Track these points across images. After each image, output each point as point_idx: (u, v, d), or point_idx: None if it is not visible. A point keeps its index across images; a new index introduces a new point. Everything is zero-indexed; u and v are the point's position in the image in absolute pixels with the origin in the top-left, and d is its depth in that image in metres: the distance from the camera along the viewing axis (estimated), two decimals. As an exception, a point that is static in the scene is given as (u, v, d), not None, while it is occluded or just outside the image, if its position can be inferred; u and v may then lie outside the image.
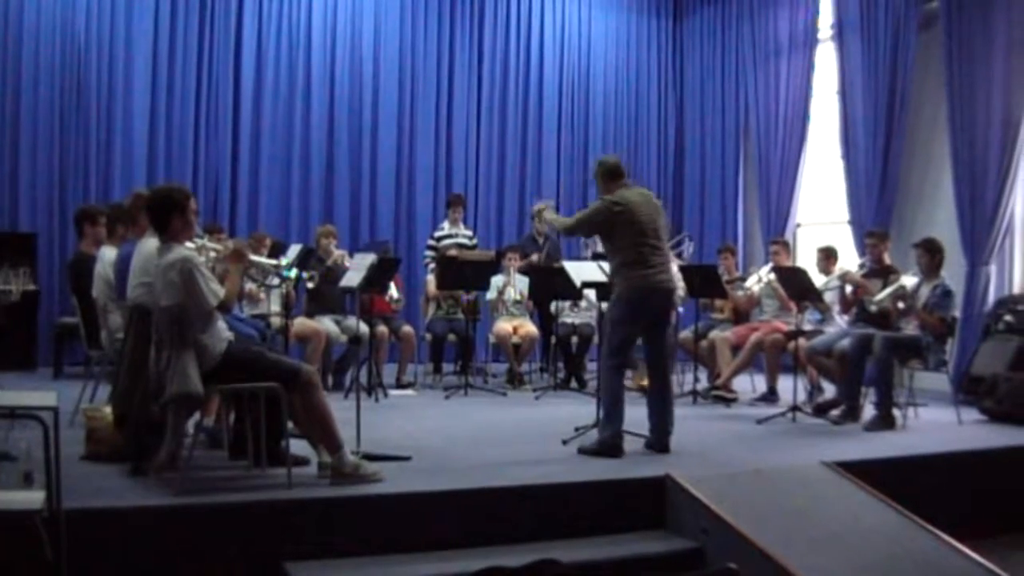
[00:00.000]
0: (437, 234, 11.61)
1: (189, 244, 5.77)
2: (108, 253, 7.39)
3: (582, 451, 6.84)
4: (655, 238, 6.87)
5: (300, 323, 9.31)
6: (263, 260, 7.56)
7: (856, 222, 11.54)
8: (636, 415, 7.06)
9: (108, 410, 6.30)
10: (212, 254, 6.12)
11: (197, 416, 5.96)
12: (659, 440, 6.97)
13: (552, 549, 5.13)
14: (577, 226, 7.39)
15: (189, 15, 12.22)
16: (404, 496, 5.50)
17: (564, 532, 5.60)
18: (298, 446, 5.89)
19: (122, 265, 6.63)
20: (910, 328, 8.50)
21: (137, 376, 5.89)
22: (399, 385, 10.23)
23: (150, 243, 5.96)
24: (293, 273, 7.24)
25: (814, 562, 5.17)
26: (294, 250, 8.46)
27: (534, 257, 11.35)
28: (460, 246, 11.12)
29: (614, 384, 6.91)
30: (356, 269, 7.72)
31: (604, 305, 8.45)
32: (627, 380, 8.79)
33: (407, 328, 10.49)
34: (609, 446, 6.75)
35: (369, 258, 7.67)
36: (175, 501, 5.14)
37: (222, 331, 5.67)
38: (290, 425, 5.78)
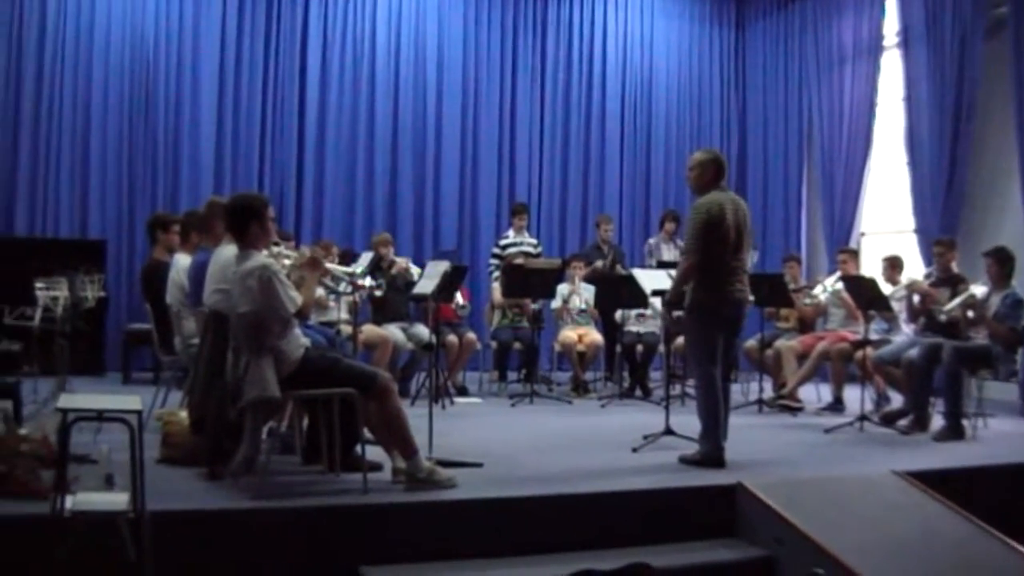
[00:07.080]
0: (502, 242, 11.63)
1: (265, 251, 5.85)
2: (182, 260, 7.51)
3: (683, 460, 6.73)
4: (736, 247, 6.74)
5: (368, 330, 9.34)
6: (338, 268, 7.65)
7: (922, 231, 11.42)
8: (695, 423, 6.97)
9: (184, 414, 6.40)
10: (287, 261, 6.19)
11: (271, 421, 6.05)
12: None
13: (625, 556, 5.16)
14: (693, 254, 6.72)
15: (255, 26, 12.43)
16: (477, 502, 5.54)
17: (636, 539, 5.58)
18: (371, 452, 5.93)
19: (197, 272, 6.72)
20: (979, 338, 8.41)
21: (213, 381, 5.98)
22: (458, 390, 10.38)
23: (227, 250, 6.06)
24: (368, 281, 7.29)
25: (888, 570, 5.16)
26: (366, 258, 8.54)
27: (599, 263, 11.36)
28: (525, 254, 11.13)
29: (709, 395, 6.75)
30: (429, 277, 7.77)
31: (674, 313, 8.39)
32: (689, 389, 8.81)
33: (470, 335, 10.60)
34: (712, 457, 6.65)
35: (442, 266, 7.71)
36: (254, 505, 5.22)
37: (299, 337, 5.74)
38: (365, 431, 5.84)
